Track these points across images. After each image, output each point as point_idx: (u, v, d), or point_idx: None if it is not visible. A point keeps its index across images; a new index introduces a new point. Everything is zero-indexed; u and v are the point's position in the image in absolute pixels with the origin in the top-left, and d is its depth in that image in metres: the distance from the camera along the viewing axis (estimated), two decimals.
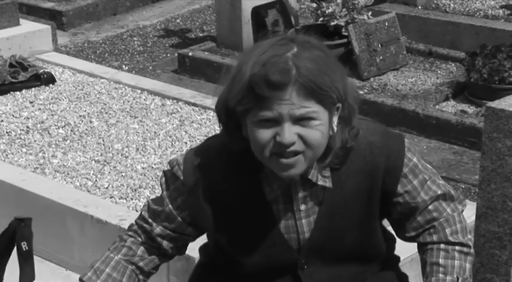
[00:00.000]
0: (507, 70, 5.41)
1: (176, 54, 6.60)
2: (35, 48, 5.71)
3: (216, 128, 4.27)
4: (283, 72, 1.88)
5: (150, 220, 2.17)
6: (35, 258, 2.87)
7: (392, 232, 2.25)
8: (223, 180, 2.09)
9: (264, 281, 2.15)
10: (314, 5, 6.14)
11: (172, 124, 4.49)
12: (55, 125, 4.50)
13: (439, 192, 2.14)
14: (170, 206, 2.14)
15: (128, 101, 4.82)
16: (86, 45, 7.14)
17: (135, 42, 7.19)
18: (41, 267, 3.48)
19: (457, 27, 6.41)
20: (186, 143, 4.27)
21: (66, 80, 5.19)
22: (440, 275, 2.10)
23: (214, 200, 2.10)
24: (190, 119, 4.56)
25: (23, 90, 4.98)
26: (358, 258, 2.16)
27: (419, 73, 5.99)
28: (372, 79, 5.87)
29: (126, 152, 4.18)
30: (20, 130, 4.45)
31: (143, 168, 4.00)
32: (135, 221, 2.21)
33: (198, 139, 4.29)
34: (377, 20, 6.04)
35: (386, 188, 2.10)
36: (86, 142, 4.30)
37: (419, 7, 6.85)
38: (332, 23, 5.99)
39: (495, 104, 2.72)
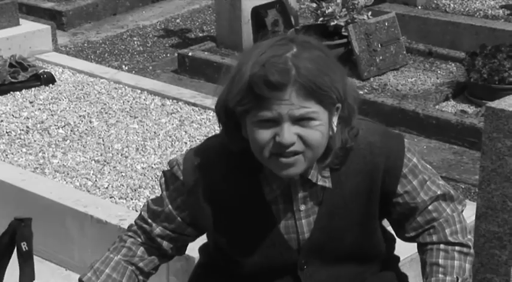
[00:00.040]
0: (507, 70, 5.41)
1: (176, 54, 6.60)
2: (34, 48, 5.71)
3: (216, 128, 4.27)
4: (283, 73, 1.88)
5: (149, 220, 2.17)
6: (35, 258, 2.87)
7: (392, 232, 2.25)
8: (223, 180, 2.09)
9: (263, 281, 2.15)
10: (314, 5, 6.14)
11: (172, 124, 4.49)
12: (55, 125, 4.50)
13: (438, 192, 2.14)
14: (170, 206, 2.14)
15: (128, 101, 4.82)
16: (85, 45, 7.14)
17: (135, 42, 7.19)
18: (41, 267, 3.48)
19: (457, 27, 6.41)
20: (186, 143, 4.27)
21: (66, 80, 5.19)
22: (440, 275, 2.10)
23: (213, 200, 2.10)
24: (190, 119, 4.56)
25: (23, 90, 4.98)
26: (357, 259, 2.16)
27: (419, 73, 5.99)
28: (371, 79, 5.87)
29: (126, 152, 4.18)
30: (20, 130, 4.45)
31: (143, 168, 4.00)
32: (135, 222, 2.21)
33: (198, 139, 4.29)
34: (377, 20, 6.04)
35: (386, 188, 2.10)
36: (86, 142, 4.30)
37: (419, 7, 6.85)
38: (332, 23, 5.99)
39: (495, 104, 2.72)
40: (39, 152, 4.20)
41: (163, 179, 2.16)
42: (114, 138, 4.33)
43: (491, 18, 6.55)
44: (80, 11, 7.64)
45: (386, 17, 6.14)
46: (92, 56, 6.86)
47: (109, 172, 3.97)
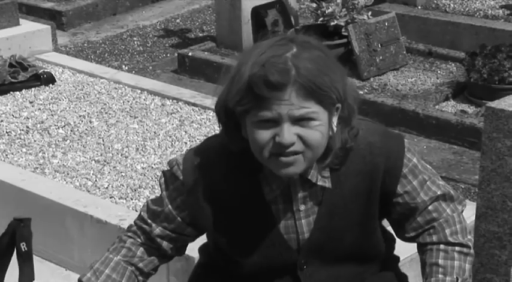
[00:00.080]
0: (507, 70, 5.41)
1: (176, 54, 6.60)
2: (34, 48, 5.71)
3: (215, 128, 4.27)
4: (283, 73, 1.88)
5: (149, 221, 2.17)
6: (35, 258, 2.87)
7: (392, 232, 2.25)
8: (223, 180, 2.09)
9: (263, 281, 2.15)
10: (314, 5, 6.14)
11: (172, 124, 4.49)
12: (55, 125, 4.50)
13: (438, 192, 2.14)
14: (169, 206, 2.14)
15: (128, 101, 4.82)
16: (85, 45, 7.14)
17: (135, 42, 7.19)
18: (41, 267, 3.48)
19: (457, 27, 6.41)
20: (185, 143, 4.27)
21: (66, 80, 5.19)
22: (439, 275, 2.10)
23: (213, 200, 2.10)
24: (190, 119, 4.56)
25: (23, 90, 4.98)
26: (357, 259, 2.16)
27: (419, 73, 5.99)
28: (371, 79, 5.87)
29: (126, 152, 4.18)
30: (20, 130, 4.45)
31: (143, 168, 4.00)
32: (134, 222, 2.21)
33: (197, 139, 4.29)
34: (377, 20, 6.04)
35: (386, 188, 2.10)
36: (86, 142, 4.30)
37: (419, 7, 6.85)
38: (332, 23, 5.99)
39: (495, 104, 2.72)
40: (39, 152, 4.20)
41: (163, 179, 2.16)
42: (114, 138, 4.33)
43: (491, 18, 6.54)
44: (79, 11, 7.64)
45: (386, 17, 6.14)
46: (92, 56, 6.86)
47: (109, 172, 3.97)
